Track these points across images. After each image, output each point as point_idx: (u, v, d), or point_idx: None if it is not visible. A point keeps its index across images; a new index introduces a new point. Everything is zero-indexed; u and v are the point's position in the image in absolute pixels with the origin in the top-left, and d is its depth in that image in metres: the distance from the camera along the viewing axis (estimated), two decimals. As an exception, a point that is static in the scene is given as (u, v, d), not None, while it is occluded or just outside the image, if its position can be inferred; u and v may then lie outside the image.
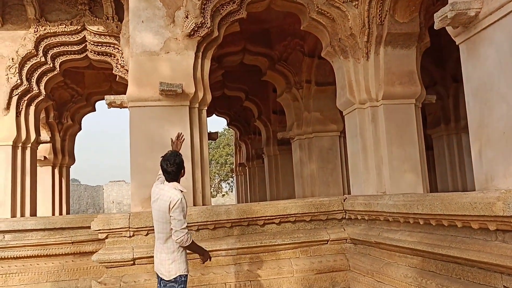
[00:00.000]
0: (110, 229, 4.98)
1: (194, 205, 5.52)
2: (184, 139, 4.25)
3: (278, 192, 11.20)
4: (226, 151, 35.03)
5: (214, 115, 14.10)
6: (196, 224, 5.07)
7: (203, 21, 5.68)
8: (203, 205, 5.63)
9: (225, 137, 34.71)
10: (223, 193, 37.46)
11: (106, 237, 5.04)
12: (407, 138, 6.09)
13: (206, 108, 5.95)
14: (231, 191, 38.55)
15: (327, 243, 5.36)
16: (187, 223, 3.66)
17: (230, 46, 8.69)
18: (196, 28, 5.67)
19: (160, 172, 3.78)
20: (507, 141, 3.45)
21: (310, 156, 8.71)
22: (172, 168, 3.59)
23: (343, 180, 8.67)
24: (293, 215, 5.33)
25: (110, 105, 6.11)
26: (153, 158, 5.38)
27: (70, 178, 12.26)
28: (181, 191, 3.59)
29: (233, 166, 22.86)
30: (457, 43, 4.07)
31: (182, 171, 3.71)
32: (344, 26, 6.22)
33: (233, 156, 34.23)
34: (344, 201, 5.44)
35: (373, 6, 5.97)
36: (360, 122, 6.22)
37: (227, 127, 20.29)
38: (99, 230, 4.98)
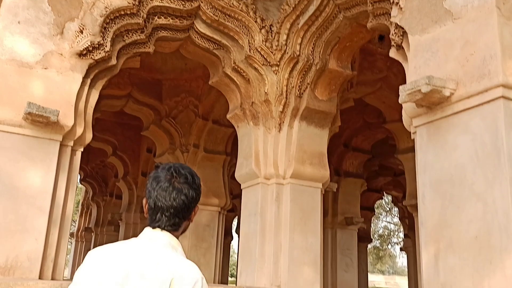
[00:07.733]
0: None
1: (41, 278, 3.94)
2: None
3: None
4: (63, 211, 31.18)
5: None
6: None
7: (101, 42, 4.49)
8: (52, 279, 4.07)
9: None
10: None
11: None
12: (310, 226, 5.41)
13: (82, 149, 4.58)
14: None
15: None
16: None
17: (114, 89, 7.43)
18: (90, 48, 4.45)
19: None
20: (480, 248, 2.87)
21: (184, 231, 7.51)
22: (183, 195, 1.50)
23: (216, 263, 7.58)
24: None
25: None
26: (-6, 204, 3.79)
27: None
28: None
29: (74, 230, 19.92)
30: (413, 125, 3.58)
31: (193, 212, 1.58)
32: (259, 90, 5.57)
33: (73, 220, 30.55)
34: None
35: (294, 75, 5.46)
36: (262, 199, 5.40)
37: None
38: None
